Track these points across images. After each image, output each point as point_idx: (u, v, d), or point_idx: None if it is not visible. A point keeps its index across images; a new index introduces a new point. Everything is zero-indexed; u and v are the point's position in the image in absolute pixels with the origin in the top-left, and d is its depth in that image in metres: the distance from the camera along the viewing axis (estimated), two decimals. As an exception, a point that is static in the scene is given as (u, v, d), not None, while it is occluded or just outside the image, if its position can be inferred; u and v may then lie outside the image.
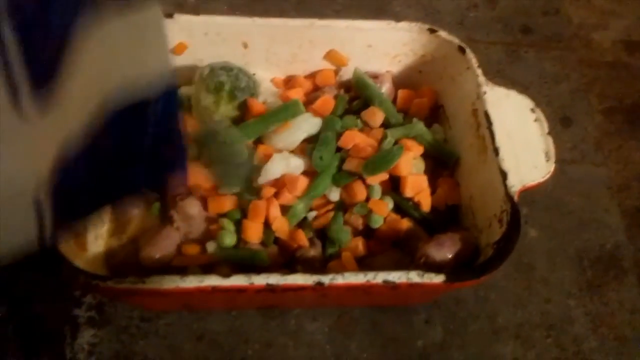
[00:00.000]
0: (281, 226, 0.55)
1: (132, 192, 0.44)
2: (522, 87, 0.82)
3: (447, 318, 0.63)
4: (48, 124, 0.31)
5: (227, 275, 0.45)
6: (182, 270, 0.54)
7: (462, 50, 0.62)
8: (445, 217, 0.59)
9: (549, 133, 0.57)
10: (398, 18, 0.87)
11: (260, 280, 0.45)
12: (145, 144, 0.38)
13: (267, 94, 0.64)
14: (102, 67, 0.34)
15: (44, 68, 0.30)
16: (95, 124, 0.35)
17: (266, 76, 0.66)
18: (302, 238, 0.54)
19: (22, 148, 0.30)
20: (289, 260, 0.55)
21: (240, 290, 0.45)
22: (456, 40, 0.62)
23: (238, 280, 0.45)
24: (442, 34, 0.63)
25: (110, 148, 0.37)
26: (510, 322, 0.64)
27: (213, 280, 0.44)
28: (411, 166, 0.56)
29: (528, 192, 0.55)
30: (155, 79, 0.37)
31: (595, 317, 0.65)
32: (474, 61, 0.60)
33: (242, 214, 0.55)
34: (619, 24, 0.92)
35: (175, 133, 0.40)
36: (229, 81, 0.58)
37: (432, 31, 0.63)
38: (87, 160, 0.36)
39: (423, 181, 0.58)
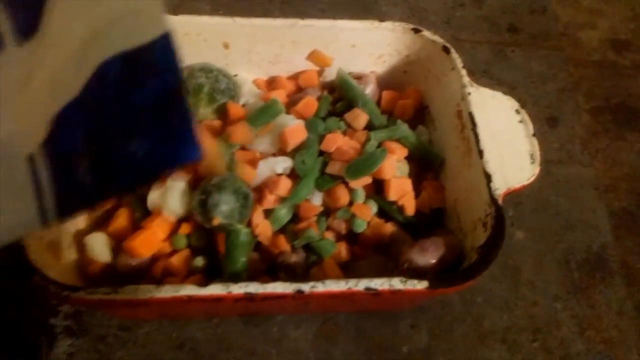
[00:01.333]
0: (264, 231, 0.54)
1: (139, 175, 0.35)
2: (509, 87, 0.82)
3: (433, 322, 0.62)
4: (33, 61, 0.29)
5: (203, 284, 0.44)
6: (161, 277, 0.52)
7: (446, 50, 0.61)
8: (430, 221, 0.58)
9: (534, 134, 0.56)
10: (384, 17, 0.86)
11: (239, 289, 0.43)
12: (145, 104, 0.33)
13: (249, 96, 0.62)
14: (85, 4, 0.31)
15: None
16: (87, 75, 0.32)
17: (248, 77, 0.65)
18: (284, 244, 0.53)
19: (6, 94, 0.28)
20: (270, 266, 0.54)
21: (218, 300, 0.44)
22: (440, 40, 0.61)
23: (215, 290, 0.43)
24: (426, 33, 0.62)
25: (105, 106, 0.33)
26: (496, 326, 0.63)
27: (189, 290, 0.43)
28: (395, 169, 0.55)
29: (514, 194, 0.54)
30: (147, 20, 0.33)
31: (582, 320, 0.64)
32: (458, 61, 0.59)
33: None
34: (606, 23, 0.92)
35: (177, 90, 0.33)
36: (208, 83, 0.56)
37: (416, 31, 0.62)
38: (83, 119, 0.32)
39: (407, 184, 0.57)
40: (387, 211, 0.57)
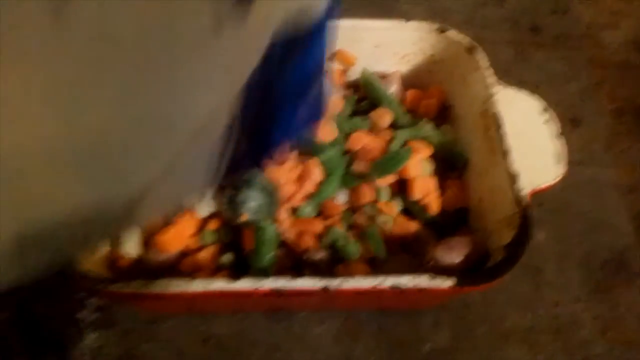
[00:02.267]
0: (289, 228, 0.54)
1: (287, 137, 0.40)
2: (531, 87, 0.80)
3: (455, 321, 0.62)
4: (242, 41, 0.29)
5: (233, 279, 0.44)
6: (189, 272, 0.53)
7: (471, 50, 0.61)
8: (454, 220, 0.59)
9: (561, 134, 0.56)
10: (406, 17, 0.86)
11: (267, 284, 0.44)
12: (298, 79, 0.35)
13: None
14: None
15: None
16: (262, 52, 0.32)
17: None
18: (309, 241, 0.54)
19: (219, 66, 0.28)
20: (295, 263, 0.55)
21: (246, 295, 0.45)
22: (465, 40, 0.61)
23: (245, 284, 0.44)
24: (451, 33, 0.62)
25: (269, 80, 0.34)
26: (518, 326, 0.63)
27: (220, 285, 0.44)
28: (420, 168, 0.55)
29: (536, 194, 0.54)
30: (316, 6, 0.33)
31: (604, 321, 0.64)
32: (483, 61, 0.59)
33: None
34: (629, 24, 0.91)
35: (322, 64, 0.36)
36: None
37: (441, 31, 0.62)
38: (256, 92, 0.33)
39: (431, 183, 0.58)
40: (411, 210, 0.57)
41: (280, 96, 0.35)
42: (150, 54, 0.24)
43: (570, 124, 0.79)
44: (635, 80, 0.84)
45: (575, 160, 0.75)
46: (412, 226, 0.56)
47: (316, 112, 0.37)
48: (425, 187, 0.57)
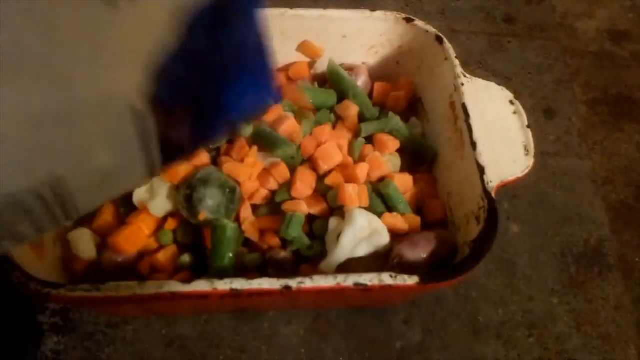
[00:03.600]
0: (251, 227, 0.52)
1: (231, 122, 0.37)
2: (505, 78, 0.81)
3: (427, 318, 0.61)
4: (139, 14, 0.28)
5: (188, 280, 0.43)
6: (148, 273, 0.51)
7: (439, 40, 0.59)
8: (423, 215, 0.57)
9: (529, 126, 0.54)
10: (377, 7, 0.84)
11: (224, 285, 0.42)
12: (234, 52, 0.33)
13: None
14: None
15: None
16: (180, 27, 0.30)
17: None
18: (273, 239, 0.52)
19: (114, 42, 0.27)
20: (260, 263, 0.53)
21: (203, 296, 0.43)
22: (433, 30, 0.60)
23: (200, 286, 0.42)
24: (419, 23, 0.61)
25: (198, 58, 0.32)
26: (491, 321, 0.62)
27: (173, 287, 0.42)
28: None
29: (510, 186, 0.53)
30: None
31: (579, 315, 0.63)
32: (451, 52, 0.58)
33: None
34: (604, 13, 0.90)
35: (261, 34, 0.34)
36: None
37: (408, 20, 0.61)
38: (180, 72, 0.31)
39: (409, 181, 0.56)
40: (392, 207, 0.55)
41: (219, 69, 0.33)
42: (56, 26, 0.24)
43: (544, 115, 0.78)
44: (610, 71, 0.83)
45: (550, 152, 0.75)
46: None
47: (264, 87, 0.35)
48: (404, 185, 0.55)
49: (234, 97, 0.34)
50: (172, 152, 0.33)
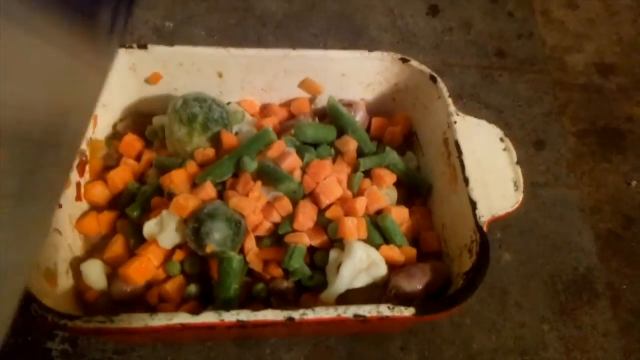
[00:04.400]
0: (256, 258, 0.55)
1: None
2: (497, 111, 0.84)
3: (423, 345, 0.63)
4: None
5: (197, 312, 0.45)
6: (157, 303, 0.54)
7: (433, 79, 0.62)
8: (419, 246, 0.60)
9: (518, 162, 0.57)
10: (374, 42, 0.89)
11: (231, 317, 0.45)
12: None
13: (242, 123, 0.64)
14: None
15: None
16: None
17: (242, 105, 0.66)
18: (276, 270, 0.55)
19: None
20: (265, 294, 0.55)
21: (211, 327, 0.45)
22: (427, 70, 0.63)
23: (208, 318, 0.45)
24: (414, 63, 0.64)
25: None
26: (485, 348, 0.64)
27: (182, 318, 0.44)
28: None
29: (502, 218, 0.56)
30: None
31: (569, 342, 0.65)
32: (445, 91, 0.61)
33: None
34: (592, 47, 0.94)
35: None
36: (202, 113, 0.58)
37: (404, 61, 0.64)
38: None
39: (405, 213, 0.59)
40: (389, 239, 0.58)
41: None
42: None
43: (534, 146, 0.81)
44: (598, 103, 0.87)
45: (540, 182, 0.78)
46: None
47: None
48: (400, 217, 0.58)
49: None
50: None
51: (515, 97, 0.86)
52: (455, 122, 0.58)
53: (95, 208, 0.59)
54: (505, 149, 0.58)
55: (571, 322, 0.67)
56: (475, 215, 0.52)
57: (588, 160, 0.81)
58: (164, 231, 0.52)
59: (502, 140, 0.59)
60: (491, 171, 0.56)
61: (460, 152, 0.56)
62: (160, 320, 0.44)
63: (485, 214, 0.53)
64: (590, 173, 0.80)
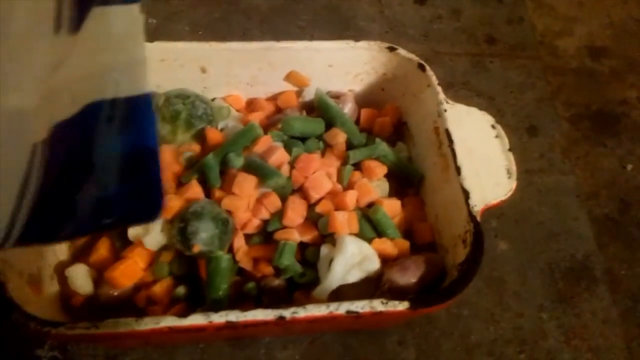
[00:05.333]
0: (245, 256, 0.54)
1: (99, 224, 0.36)
2: (488, 98, 0.83)
3: (420, 338, 0.62)
4: (72, 50, 0.31)
5: (185, 313, 0.44)
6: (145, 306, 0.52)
7: (422, 67, 0.61)
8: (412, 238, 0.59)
9: (510, 149, 0.56)
10: (362, 32, 0.87)
11: (219, 318, 0.44)
12: (123, 153, 0.35)
13: (228, 119, 0.63)
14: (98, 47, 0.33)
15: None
16: (78, 107, 0.33)
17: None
18: (266, 268, 0.53)
19: (44, 64, 0.29)
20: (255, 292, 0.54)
21: (199, 329, 0.44)
22: (416, 58, 0.62)
23: (196, 320, 0.43)
24: (402, 52, 0.62)
25: (85, 144, 0.34)
26: (483, 339, 0.63)
27: (170, 321, 0.43)
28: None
29: (496, 205, 0.55)
30: (136, 76, 0.35)
31: (568, 329, 0.64)
32: (433, 79, 0.60)
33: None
34: (583, 30, 0.93)
35: (153, 149, 0.36)
36: (185, 109, 0.56)
37: (391, 49, 0.63)
38: (68, 144, 0.33)
39: (397, 205, 0.58)
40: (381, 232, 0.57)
41: (101, 168, 0.34)
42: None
43: (527, 132, 0.80)
44: (591, 87, 0.86)
45: (535, 169, 0.77)
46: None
47: (146, 206, 0.35)
48: (392, 210, 0.57)
49: (109, 199, 0.34)
50: (38, 229, 0.31)
51: (507, 84, 0.84)
52: (445, 110, 0.57)
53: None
54: (496, 136, 0.57)
55: (570, 310, 0.66)
56: (468, 205, 0.51)
57: (582, 145, 0.80)
58: (149, 233, 0.51)
59: (493, 127, 0.57)
60: (483, 159, 0.55)
61: (451, 141, 0.55)
62: (147, 324, 0.43)
63: (478, 202, 0.52)
64: (585, 158, 0.79)
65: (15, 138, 0.28)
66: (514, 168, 0.55)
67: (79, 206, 0.33)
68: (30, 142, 0.29)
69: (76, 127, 0.33)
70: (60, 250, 0.55)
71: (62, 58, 0.30)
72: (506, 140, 0.56)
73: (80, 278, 0.51)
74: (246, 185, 0.54)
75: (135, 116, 0.35)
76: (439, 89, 0.59)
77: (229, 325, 0.44)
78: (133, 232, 0.52)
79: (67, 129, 0.32)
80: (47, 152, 0.31)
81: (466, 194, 0.52)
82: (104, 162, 0.34)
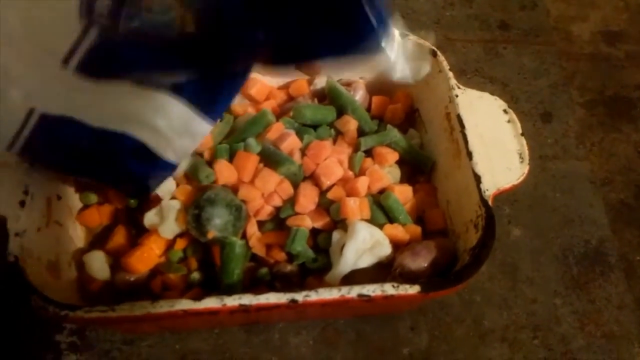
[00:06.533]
0: (258, 242, 0.54)
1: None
2: (502, 84, 0.82)
3: (433, 324, 0.62)
4: None
5: (198, 298, 0.44)
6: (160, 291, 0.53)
7: (433, 53, 0.61)
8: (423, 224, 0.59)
9: (523, 134, 0.56)
10: (374, 21, 0.87)
11: (233, 301, 0.44)
12: None
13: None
14: None
15: None
16: None
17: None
18: (279, 254, 0.54)
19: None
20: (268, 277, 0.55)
21: (213, 312, 0.45)
22: (427, 44, 0.62)
23: (210, 303, 0.44)
24: (414, 37, 0.62)
25: None
26: (496, 325, 0.63)
27: (185, 304, 0.44)
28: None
29: (510, 191, 0.55)
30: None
31: (582, 315, 0.64)
32: (445, 64, 0.60)
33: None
34: (598, 15, 0.92)
35: None
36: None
37: (403, 36, 0.62)
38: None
39: (409, 191, 0.58)
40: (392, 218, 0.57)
41: None
42: None
43: (542, 118, 0.79)
44: (605, 72, 0.85)
45: (549, 155, 0.76)
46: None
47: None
48: (404, 196, 0.57)
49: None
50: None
51: (520, 70, 0.84)
52: (457, 96, 0.57)
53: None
54: (509, 121, 0.57)
55: (584, 296, 0.66)
56: (479, 189, 0.51)
57: (597, 131, 0.79)
58: (164, 222, 0.52)
59: (505, 111, 0.57)
60: (495, 143, 0.55)
61: (462, 126, 0.55)
62: (162, 307, 0.44)
63: (490, 187, 0.52)
64: (600, 144, 0.78)
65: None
66: (526, 152, 0.54)
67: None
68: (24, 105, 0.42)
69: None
70: (78, 238, 0.56)
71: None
72: (518, 125, 0.56)
73: (98, 264, 0.53)
74: (269, 180, 0.54)
75: None
76: (451, 74, 0.59)
77: (243, 308, 0.45)
78: (148, 221, 0.53)
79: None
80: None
81: (478, 179, 0.52)
82: None
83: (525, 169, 0.54)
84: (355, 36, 0.41)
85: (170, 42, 0.38)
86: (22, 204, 0.48)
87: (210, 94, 0.44)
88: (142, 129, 0.44)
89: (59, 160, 0.48)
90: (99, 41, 0.38)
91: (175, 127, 0.44)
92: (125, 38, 0.37)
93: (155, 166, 0.48)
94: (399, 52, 0.48)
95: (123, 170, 0.49)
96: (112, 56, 0.39)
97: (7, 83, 0.41)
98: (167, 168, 0.49)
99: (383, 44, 0.43)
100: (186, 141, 0.47)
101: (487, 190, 0.51)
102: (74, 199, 0.56)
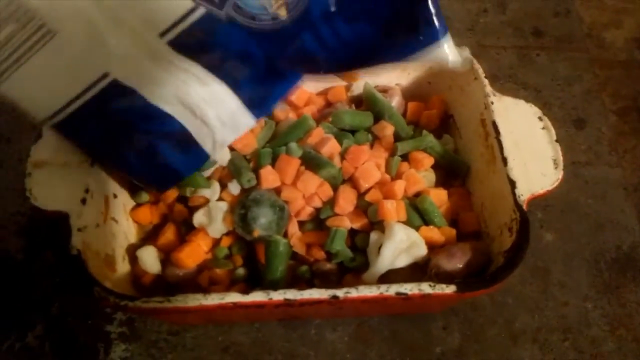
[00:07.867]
0: (298, 242, 0.57)
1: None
2: (535, 91, 0.83)
3: (465, 324, 0.64)
4: None
5: (246, 292, 0.47)
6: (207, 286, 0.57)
7: (470, 62, 0.63)
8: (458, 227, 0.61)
9: (557, 140, 0.57)
10: (408, 28, 0.89)
11: (278, 296, 0.47)
12: None
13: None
14: None
15: None
16: None
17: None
18: (318, 252, 0.57)
19: None
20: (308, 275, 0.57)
21: (259, 306, 0.48)
22: (463, 52, 0.63)
23: (257, 297, 0.47)
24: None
25: None
26: (527, 327, 0.65)
27: (234, 297, 0.47)
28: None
29: (543, 196, 0.56)
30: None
31: (613, 319, 0.65)
32: (480, 71, 0.61)
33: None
34: (631, 22, 0.92)
35: None
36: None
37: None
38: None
39: (444, 195, 0.60)
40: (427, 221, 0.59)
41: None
42: None
43: (574, 125, 0.80)
44: (638, 79, 0.85)
45: (581, 161, 0.77)
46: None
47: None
48: (439, 200, 0.59)
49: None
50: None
51: (554, 76, 0.85)
52: (492, 103, 0.59)
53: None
54: (543, 128, 0.58)
55: (615, 300, 0.67)
56: (514, 194, 0.53)
57: (630, 138, 0.80)
58: (212, 223, 0.55)
59: (540, 119, 0.59)
60: (530, 150, 0.56)
61: (497, 132, 0.57)
62: (213, 300, 0.47)
63: (525, 192, 0.53)
64: (632, 151, 0.79)
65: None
66: (560, 159, 0.56)
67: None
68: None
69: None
70: (131, 234, 0.59)
71: None
72: (553, 132, 0.58)
73: (150, 259, 0.56)
74: (310, 183, 0.57)
75: None
76: (486, 81, 0.60)
77: (287, 302, 0.47)
78: (197, 220, 0.56)
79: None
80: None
81: (512, 184, 0.54)
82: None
83: (560, 175, 0.55)
84: (424, 39, 0.50)
85: (260, 26, 0.41)
86: (84, 201, 0.52)
87: (263, 93, 0.47)
88: (191, 114, 0.48)
89: (95, 138, 0.50)
90: (200, 19, 0.41)
91: (223, 117, 0.48)
92: (225, 18, 0.41)
93: (188, 154, 0.51)
94: (450, 43, 0.54)
95: (154, 154, 0.51)
96: (207, 35, 0.42)
97: (96, 42, 0.43)
98: (199, 159, 0.52)
99: (443, 41, 0.52)
100: (228, 132, 0.51)
101: (522, 195, 0.53)
102: (127, 197, 0.60)
